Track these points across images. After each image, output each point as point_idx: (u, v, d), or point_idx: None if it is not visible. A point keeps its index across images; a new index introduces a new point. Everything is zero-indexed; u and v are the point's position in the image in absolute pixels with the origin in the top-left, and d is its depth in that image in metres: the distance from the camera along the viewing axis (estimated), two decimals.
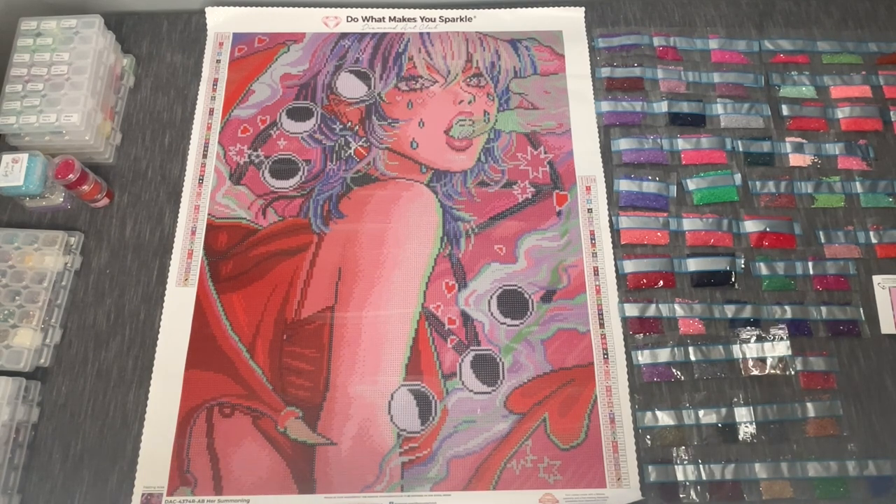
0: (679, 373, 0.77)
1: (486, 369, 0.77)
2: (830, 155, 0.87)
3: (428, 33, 0.96)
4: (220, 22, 0.96)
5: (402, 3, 0.97)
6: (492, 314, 0.79)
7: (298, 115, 0.90)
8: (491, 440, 0.74)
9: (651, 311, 0.79)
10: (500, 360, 0.77)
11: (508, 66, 0.93)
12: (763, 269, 0.81)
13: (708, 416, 0.75)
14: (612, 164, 0.87)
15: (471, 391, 0.76)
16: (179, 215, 0.84)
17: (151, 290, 0.81)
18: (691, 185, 0.85)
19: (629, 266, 0.81)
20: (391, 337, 0.78)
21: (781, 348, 0.77)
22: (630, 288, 0.81)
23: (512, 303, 0.80)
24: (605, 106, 0.90)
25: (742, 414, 0.74)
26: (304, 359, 0.77)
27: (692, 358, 0.77)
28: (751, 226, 0.83)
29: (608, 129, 0.89)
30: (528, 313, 0.79)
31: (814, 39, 0.94)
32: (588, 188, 0.86)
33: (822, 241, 0.83)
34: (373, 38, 0.95)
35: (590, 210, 0.85)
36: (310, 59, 0.94)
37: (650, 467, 0.73)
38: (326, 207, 0.85)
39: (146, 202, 0.86)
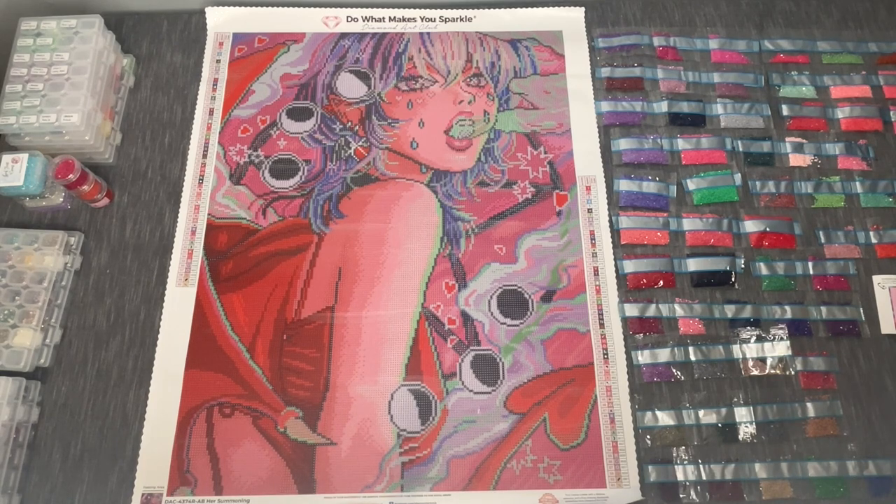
0: (679, 373, 0.77)
1: (486, 369, 0.77)
2: (830, 155, 0.87)
3: (428, 33, 0.96)
4: (220, 22, 0.96)
5: (402, 3, 0.97)
6: (492, 314, 0.79)
7: (298, 115, 0.90)
8: (491, 440, 0.74)
9: (651, 311, 0.79)
10: (500, 360, 0.77)
11: (508, 66, 0.93)
12: (763, 269, 0.81)
13: (708, 416, 0.75)
14: (612, 164, 0.87)
15: (471, 391, 0.76)
16: (179, 215, 0.84)
17: (151, 290, 0.81)
18: (691, 185, 0.85)
19: (629, 266, 0.81)
20: (391, 337, 0.78)
21: (781, 348, 0.77)
22: (630, 288, 0.81)
23: (512, 303, 0.80)
24: (605, 106, 0.90)
25: (742, 414, 0.74)
26: (304, 359, 0.77)
27: (692, 358, 0.77)
28: (751, 226, 0.83)
29: (608, 129, 0.89)
30: (528, 313, 0.79)
31: (814, 39, 0.94)
32: (588, 188, 0.86)
33: (822, 241, 0.83)
34: (373, 38, 0.95)
35: (590, 210, 0.85)
36: (310, 59, 0.94)
37: (650, 467, 0.73)
38: (326, 207, 0.85)
39: (146, 202, 0.86)
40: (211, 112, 0.90)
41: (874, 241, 0.83)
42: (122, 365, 0.77)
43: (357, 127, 0.90)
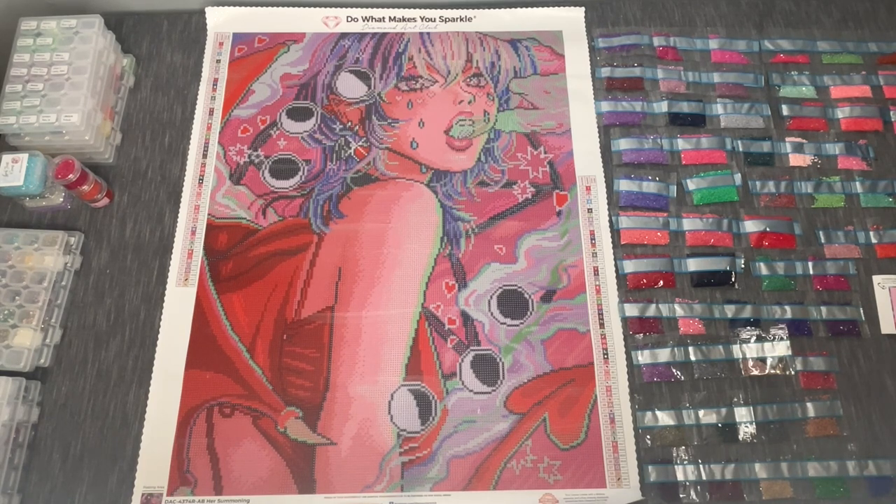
0: (679, 373, 0.77)
1: (486, 369, 0.77)
2: (830, 155, 0.87)
3: (428, 33, 0.96)
4: (220, 22, 0.96)
5: (402, 3, 0.97)
6: (492, 314, 0.79)
7: (298, 115, 0.90)
8: (491, 440, 0.74)
9: (651, 311, 0.79)
10: (500, 360, 0.77)
11: (508, 66, 0.93)
12: (763, 269, 0.81)
13: (708, 416, 0.75)
14: (612, 164, 0.87)
15: (471, 391, 0.76)
16: (179, 215, 0.84)
17: (151, 290, 0.81)
18: (691, 185, 0.85)
19: (629, 266, 0.81)
20: (391, 337, 0.78)
21: (781, 348, 0.77)
22: (630, 288, 0.81)
23: (512, 303, 0.80)
24: (605, 106, 0.90)
25: (742, 414, 0.74)
26: (304, 359, 0.77)
27: (692, 358, 0.77)
28: (751, 226, 0.83)
29: (608, 129, 0.89)
30: (528, 313, 0.79)
31: (814, 39, 0.94)
32: (588, 188, 0.86)
33: (822, 241, 0.83)
34: (373, 38, 0.95)
35: (590, 210, 0.85)
36: (310, 59, 0.94)
37: (650, 467, 0.73)
38: (326, 207, 0.85)
39: (146, 202, 0.86)
40: (211, 112, 0.90)
41: (874, 241, 0.83)
42: (122, 365, 0.77)
43: (357, 127, 0.90)
